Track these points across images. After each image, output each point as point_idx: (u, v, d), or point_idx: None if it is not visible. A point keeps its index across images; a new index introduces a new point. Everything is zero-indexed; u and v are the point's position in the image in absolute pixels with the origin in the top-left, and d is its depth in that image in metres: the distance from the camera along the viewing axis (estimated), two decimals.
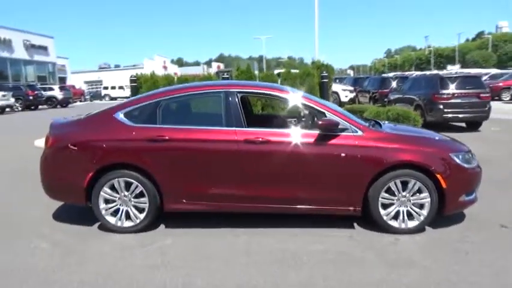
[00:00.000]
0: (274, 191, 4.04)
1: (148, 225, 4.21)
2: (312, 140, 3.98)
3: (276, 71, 15.65)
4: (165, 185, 4.06)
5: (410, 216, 4.06)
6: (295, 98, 4.27)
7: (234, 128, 4.01)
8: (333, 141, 3.96)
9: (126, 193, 4.11)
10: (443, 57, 76.19)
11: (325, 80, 10.49)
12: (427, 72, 31.11)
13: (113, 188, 4.11)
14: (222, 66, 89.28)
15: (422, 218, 4.04)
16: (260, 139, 3.96)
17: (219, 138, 4.00)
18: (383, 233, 4.06)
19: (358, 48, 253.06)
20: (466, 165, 4.07)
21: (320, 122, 3.93)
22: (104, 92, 47.08)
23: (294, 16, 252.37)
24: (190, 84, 5.25)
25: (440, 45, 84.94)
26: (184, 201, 4.09)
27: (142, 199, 4.11)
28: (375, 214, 4.04)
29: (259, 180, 4.03)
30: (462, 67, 55.04)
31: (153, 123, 4.12)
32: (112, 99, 44.88)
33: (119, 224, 4.16)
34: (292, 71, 11.60)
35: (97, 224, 4.41)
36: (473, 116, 11.59)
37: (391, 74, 31.41)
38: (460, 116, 11.52)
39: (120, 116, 4.18)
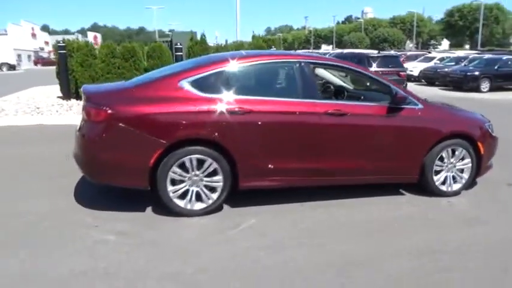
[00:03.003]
0: (349, 163, 4.08)
1: (219, 207, 3.87)
2: (383, 112, 4.10)
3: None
4: (242, 161, 3.76)
5: (454, 180, 4.52)
6: (366, 72, 4.31)
7: (313, 100, 3.89)
8: (402, 114, 4.14)
9: (198, 172, 3.70)
10: (322, 38, 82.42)
11: None
12: (321, 50, 33.24)
13: (182, 166, 3.65)
14: (99, 36, 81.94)
15: (463, 181, 4.52)
16: (339, 112, 3.93)
17: (302, 111, 3.84)
18: (432, 196, 4.45)
19: (240, 26, 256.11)
20: (493, 134, 4.67)
21: (398, 96, 4.06)
22: None
23: None
24: (260, 52, 4.82)
25: (316, 26, 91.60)
26: (260, 177, 3.86)
27: (215, 178, 3.74)
28: (429, 180, 4.38)
29: (336, 153, 4.02)
30: (340, 47, 60.45)
31: (227, 94, 3.73)
32: None
33: (189, 206, 3.74)
34: None
35: (149, 208, 3.90)
36: None
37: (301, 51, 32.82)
38: None
39: (187, 84, 3.69)
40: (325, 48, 76.06)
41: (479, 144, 4.45)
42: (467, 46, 58.00)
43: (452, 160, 4.44)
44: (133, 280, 2.73)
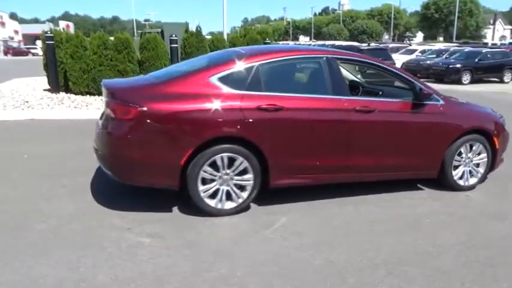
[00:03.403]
0: (376, 159, 4.09)
1: (247, 206, 3.81)
2: (408, 108, 4.12)
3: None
4: (273, 159, 3.70)
5: (471, 174, 4.61)
6: (391, 68, 4.30)
7: (342, 97, 3.87)
8: (425, 110, 4.17)
9: (228, 171, 3.62)
10: (300, 29, 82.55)
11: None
12: (299, 42, 33.26)
13: (213, 165, 3.56)
14: (71, 25, 79.70)
15: (479, 175, 4.62)
16: (366, 108, 3.92)
17: (331, 107, 3.81)
18: (450, 191, 4.52)
19: (215, 16, 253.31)
20: (506, 128, 4.78)
21: (423, 92, 4.09)
22: None
23: None
24: (290, 46, 4.72)
25: (294, 17, 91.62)
26: (291, 175, 3.83)
27: (246, 176, 3.68)
28: (449, 175, 4.45)
29: (364, 150, 4.02)
30: (318, 39, 60.74)
31: (257, 90, 3.65)
32: None
33: (219, 206, 3.67)
34: None
35: (176, 208, 3.81)
36: None
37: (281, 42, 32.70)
38: None
39: (217, 81, 3.59)
40: (304, 40, 76.14)
41: (495, 139, 4.55)
42: (441, 38, 59.37)
43: (469, 155, 4.52)
44: (188, 285, 2.65)
